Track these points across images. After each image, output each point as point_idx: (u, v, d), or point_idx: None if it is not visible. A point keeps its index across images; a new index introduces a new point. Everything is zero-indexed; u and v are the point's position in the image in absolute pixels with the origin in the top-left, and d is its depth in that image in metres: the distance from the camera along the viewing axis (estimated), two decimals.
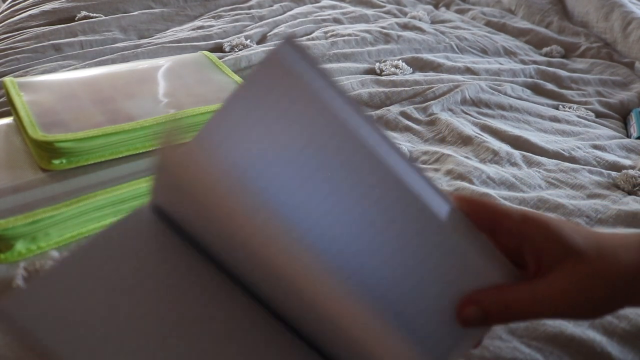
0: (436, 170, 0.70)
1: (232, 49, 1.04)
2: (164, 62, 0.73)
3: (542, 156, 0.75)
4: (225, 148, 0.31)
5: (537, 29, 1.30)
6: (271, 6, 1.32)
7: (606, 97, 1.02)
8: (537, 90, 1.01)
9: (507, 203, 0.63)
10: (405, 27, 1.23)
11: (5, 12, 1.29)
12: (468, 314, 0.32)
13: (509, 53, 1.17)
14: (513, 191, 0.67)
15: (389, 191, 0.31)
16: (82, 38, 1.08)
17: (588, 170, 0.72)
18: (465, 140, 0.77)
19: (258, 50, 0.99)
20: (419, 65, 1.04)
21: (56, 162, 0.54)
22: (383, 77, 0.96)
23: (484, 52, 1.17)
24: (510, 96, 0.94)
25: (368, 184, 0.31)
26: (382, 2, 1.42)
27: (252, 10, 1.28)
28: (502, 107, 0.90)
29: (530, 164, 0.73)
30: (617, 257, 0.32)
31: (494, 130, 0.81)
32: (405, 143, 0.77)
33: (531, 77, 1.06)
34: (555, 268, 0.32)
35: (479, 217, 0.34)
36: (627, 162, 0.76)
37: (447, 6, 1.49)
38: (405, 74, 0.99)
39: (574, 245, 0.32)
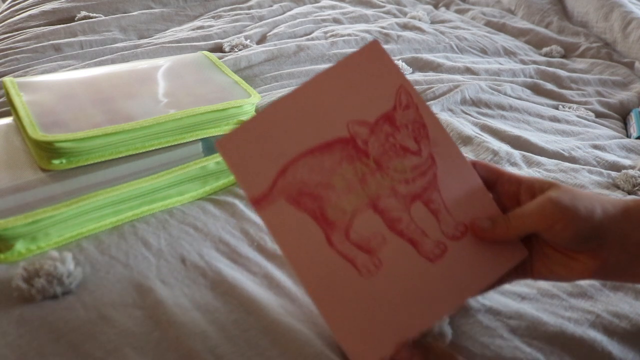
0: None
1: (232, 49, 1.04)
2: (164, 62, 0.73)
3: (541, 156, 0.75)
4: None
5: (537, 29, 1.30)
6: (271, 6, 1.32)
7: (606, 97, 1.02)
8: (537, 90, 1.01)
9: None
10: (405, 27, 1.23)
11: (5, 12, 1.29)
12: (481, 222, 0.43)
13: (509, 53, 1.17)
14: None
15: None
16: (82, 38, 1.08)
17: (588, 170, 0.72)
18: (465, 140, 0.77)
19: (258, 50, 0.99)
20: (418, 65, 1.04)
21: (56, 162, 0.54)
22: None
23: (484, 52, 1.17)
24: (510, 96, 0.94)
25: None
26: (382, 2, 1.42)
27: (251, 10, 1.28)
28: (502, 107, 0.90)
29: (530, 163, 0.73)
30: (591, 196, 0.42)
31: (494, 130, 0.81)
32: None
33: (531, 77, 1.06)
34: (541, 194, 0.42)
35: (485, 172, 0.45)
36: (627, 162, 0.76)
37: (447, 6, 1.49)
38: (405, 74, 0.99)
39: (552, 181, 0.43)
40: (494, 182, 0.45)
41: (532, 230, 0.41)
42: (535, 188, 0.43)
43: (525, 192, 0.43)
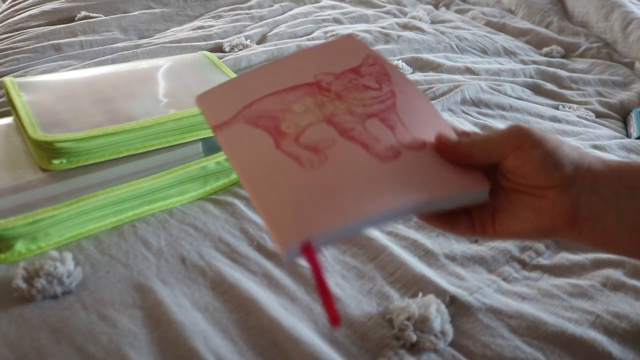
0: None
1: (232, 49, 1.04)
2: (164, 62, 0.73)
3: None
4: None
5: (537, 29, 1.30)
6: (271, 6, 1.32)
7: (606, 97, 1.02)
8: (537, 90, 1.01)
9: None
10: (405, 27, 1.23)
11: (5, 12, 1.29)
12: (446, 135, 0.40)
13: (509, 53, 1.17)
14: None
15: None
16: (82, 38, 1.08)
17: None
18: None
19: (258, 50, 0.99)
20: (419, 65, 1.04)
21: (56, 162, 0.54)
22: None
23: (484, 52, 1.17)
24: (510, 96, 0.94)
25: None
26: (382, 2, 1.42)
27: (252, 10, 1.28)
28: (502, 107, 0.90)
29: None
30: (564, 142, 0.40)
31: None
32: None
33: (531, 77, 1.06)
34: None
35: None
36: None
37: (447, 6, 1.49)
38: (406, 74, 0.99)
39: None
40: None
41: (498, 152, 0.39)
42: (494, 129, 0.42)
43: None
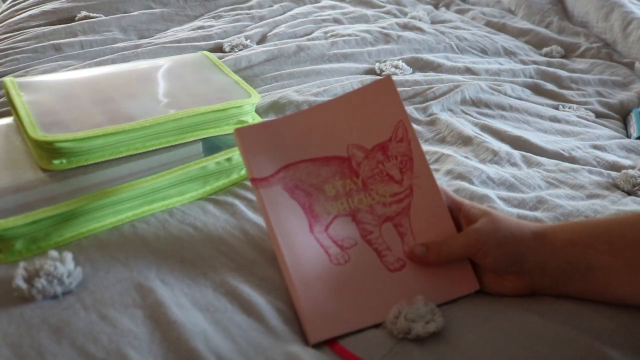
0: (436, 170, 0.70)
1: (232, 49, 1.04)
2: (164, 62, 0.73)
3: (541, 156, 0.75)
4: None
5: (537, 29, 1.30)
6: (271, 6, 1.32)
7: (606, 97, 1.02)
8: (537, 90, 1.01)
9: (505, 204, 0.63)
10: (405, 27, 1.23)
11: (5, 12, 1.29)
12: (416, 249, 0.49)
13: (509, 53, 1.17)
14: (512, 191, 0.67)
15: None
16: (82, 38, 1.08)
17: (588, 170, 0.72)
18: (465, 140, 0.77)
19: (258, 50, 0.99)
20: (419, 65, 1.04)
21: (56, 162, 0.54)
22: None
23: (484, 52, 1.17)
24: (510, 96, 0.94)
25: None
26: (382, 2, 1.42)
27: (252, 10, 1.28)
28: (502, 107, 0.90)
29: (529, 164, 0.73)
30: (518, 221, 0.49)
31: (494, 131, 0.81)
32: None
33: (531, 77, 1.06)
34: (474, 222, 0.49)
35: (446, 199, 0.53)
36: (627, 162, 0.76)
37: (447, 6, 1.49)
38: (405, 74, 0.99)
39: (486, 209, 0.49)
40: (451, 208, 0.52)
41: (459, 256, 0.48)
42: (471, 215, 0.49)
43: (463, 217, 0.50)
